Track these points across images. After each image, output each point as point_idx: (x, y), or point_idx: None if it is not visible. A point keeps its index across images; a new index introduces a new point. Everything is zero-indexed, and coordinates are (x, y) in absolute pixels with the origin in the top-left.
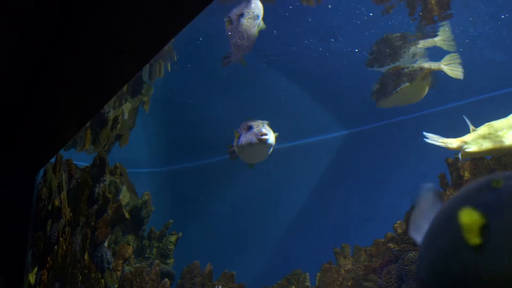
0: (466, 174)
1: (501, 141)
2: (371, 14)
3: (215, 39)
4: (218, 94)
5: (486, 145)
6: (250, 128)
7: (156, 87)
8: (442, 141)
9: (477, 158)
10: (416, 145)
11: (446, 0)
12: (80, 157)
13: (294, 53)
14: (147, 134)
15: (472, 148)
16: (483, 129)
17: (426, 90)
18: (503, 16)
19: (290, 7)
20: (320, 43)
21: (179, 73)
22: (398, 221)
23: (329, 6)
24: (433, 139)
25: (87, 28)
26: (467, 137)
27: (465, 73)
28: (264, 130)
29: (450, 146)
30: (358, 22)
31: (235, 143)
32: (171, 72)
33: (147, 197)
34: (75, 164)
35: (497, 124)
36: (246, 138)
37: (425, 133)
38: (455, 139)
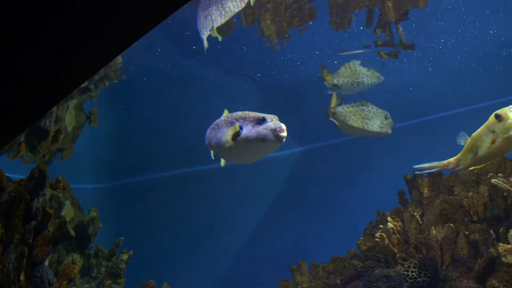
0: (426, 191)
1: (480, 150)
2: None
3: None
4: (170, 109)
5: (471, 157)
6: (262, 121)
7: (105, 101)
8: (438, 165)
9: (435, 175)
10: (372, 162)
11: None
12: (14, 169)
13: (251, 66)
14: (93, 148)
15: (465, 163)
16: (468, 142)
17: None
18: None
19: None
20: (277, 59)
21: (132, 87)
22: (361, 238)
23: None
24: (428, 168)
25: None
26: (460, 154)
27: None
28: (283, 126)
29: (448, 167)
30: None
31: (228, 136)
32: (123, 86)
33: (94, 214)
34: (6, 176)
35: (476, 134)
36: (258, 132)
37: (415, 167)
38: (451, 159)
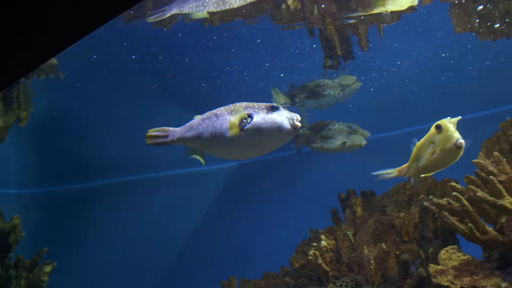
0: (359, 211)
1: (421, 161)
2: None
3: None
4: (103, 117)
5: (416, 166)
6: (276, 108)
7: (39, 104)
8: (393, 171)
9: (368, 195)
10: (308, 178)
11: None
12: None
13: (195, 76)
14: (19, 152)
15: (410, 172)
16: (414, 151)
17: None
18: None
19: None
20: (222, 70)
21: (67, 92)
22: (294, 255)
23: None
24: (385, 174)
25: None
26: (408, 162)
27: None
28: (299, 116)
29: (401, 174)
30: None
31: (235, 123)
32: (58, 91)
33: (17, 221)
34: None
35: (420, 143)
36: (273, 120)
37: (374, 173)
38: (404, 166)
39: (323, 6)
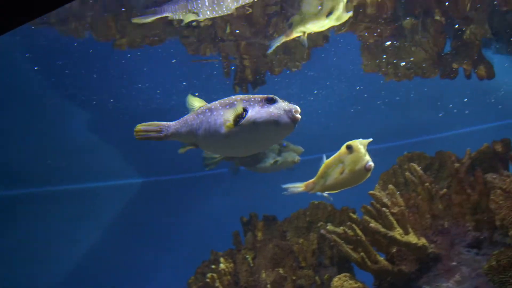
0: (260, 235)
1: (328, 179)
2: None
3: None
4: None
5: (322, 183)
6: (272, 100)
7: None
8: (299, 186)
9: (270, 219)
10: (213, 200)
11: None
12: None
13: (96, 92)
14: None
15: (316, 188)
16: (321, 168)
17: None
18: None
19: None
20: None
21: None
22: (192, 277)
23: None
24: (293, 188)
25: None
26: (315, 178)
27: None
28: (298, 107)
29: (307, 189)
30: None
31: (229, 117)
32: None
33: None
34: None
35: (329, 161)
36: (269, 113)
37: (284, 186)
38: (310, 181)
39: (237, 31)
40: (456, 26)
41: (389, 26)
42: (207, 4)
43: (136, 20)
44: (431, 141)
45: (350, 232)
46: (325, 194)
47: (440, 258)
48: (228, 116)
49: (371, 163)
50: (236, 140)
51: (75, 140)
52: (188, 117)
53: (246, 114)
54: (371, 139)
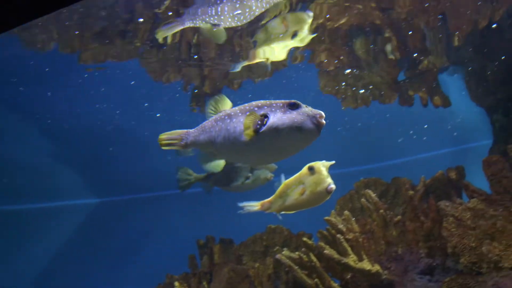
0: (216, 258)
1: (288, 200)
2: None
3: None
4: None
5: (280, 203)
6: (295, 106)
7: None
8: (255, 205)
9: (227, 243)
10: (171, 222)
11: None
12: None
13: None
14: None
15: (272, 208)
16: (280, 188)
17: None
18: None
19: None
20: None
21: None
22: None
23: None
24: (250, 206)
25: None
26: (272, 198)
27: None
28: (323, 113)
29: (262, 208)
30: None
31: (249, 125)
32: None
33: None
34: None
35: (289, 181)
36: (292, 119)
37: (240, 204)
38: (266, 200)
39: (205, 51)
40: (415, 55)
41: (344, 48)
42: (227, 11)
43: (160, 34)
44: (390, 166)
45: (305, 258)
46: (278, 215)
47: (393, 284)
48: (249, 123)
49: (333, 186)
50: (257, 149)
51: (30, 159)
52: (206, 123)
53: (267, 120)
54: (333, 162)
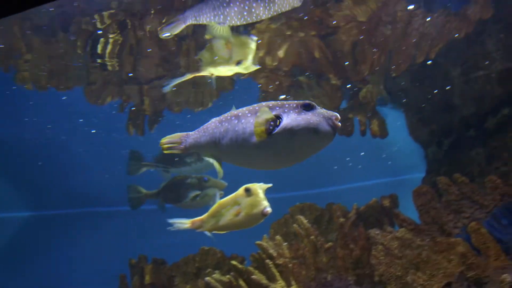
0: (147, 278)
1: (221, 220)
2: None
3: None
4: None
5: (213, 223)
6: (309, 107)
7: None
8: (186, 222)
9: (159, 263)
10: (101, 239)
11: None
12: None
13: None
14: None
15: (204, 227)
16: (214, 207)
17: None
18: None
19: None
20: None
21: None
22: None
23: None
24: (180, 223)
25: None
26: (204, 216)
27: None
28: (338, 115)
29: (193, 226)
30: None
31: (260, 126)
32: None
33: None
34: None
35: (224, 201)
36: (307, 120)
37: (170, 221)
38: (197, 218)
39: (142, 69)
40: (350, 85)
41: (288, 79)
42: (236, 10)
43: (164, 35)
44: (327, 193)
45: (234, 282)
46: (210, 234)
47: None
48: (260, 124)
49: (269, 209)
50: (268, 152)
51: None
52: (209, 125)
53: (280, 121)
54: (270, 185)
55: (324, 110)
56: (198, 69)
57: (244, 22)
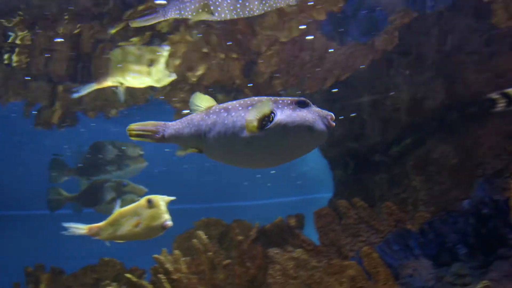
0: (42, 287)
1: (120, 229)
2: None
3: None
4: None
5: (110, 231)
6: (304, 104)
7: None
8: (83, 227)
9: (57, 272)
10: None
11: None
12: None
13: None
14: None
15: (101, 234)
16: (113, 215)
17: None
18: None
19: None
20: None
21: None
22: None
23: None
24: (75, 228)
25: None
26: (102, 224)
27: None
28: (332, 114)
29: (89, 233)
30: None
31: (253, 119)
32: None
33: None
34: None
35: (124, 210)
36: (303, 117)
37: (65, 225)
38: (94, 225)
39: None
40: None
41: None
42: (229, 2)
43: (135, 24)
44: (236, 208)
45: None
46: (107, 242)
47: None
48: (252, 118)
49: (169, 222)
50: (259, 148)
51: None
52: (195, 116)
53: (274, 117)
54: (174, 198)
55: (319, 108)
56: (106, 78)
57: (235, 16)
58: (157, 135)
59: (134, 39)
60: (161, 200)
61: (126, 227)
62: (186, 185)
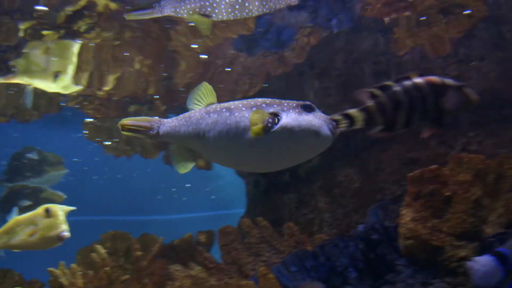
0: None
1: (14, 238)
2: None
3: None
4: None
5: (5, 240)
6: (310, 108)
7: None
8: None
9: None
10: None
11: None
12: None
13: None
14: None
15: None
16: (9, 223)
17: None
18: None
19: None
20: None
21: None
22: None
23: None
24: None
25: None
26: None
27: None
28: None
29: None
30: None
31: (257, 121)
32: None
33: None
34: None
35: (20, 219)
36: (309, 122)
37: None
38: None
39: None
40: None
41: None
42: (227, 2)
43: (131, 17)
44: (149, 221)
45: None
46: (1, 251)
47: None
48: (257, 119)
49: (66, 233)
50: (261, 151)
51: None
52: (193, 114)
53: (279, 120)
54: (74, 208)
55: (323, 114)
56: (13, 75)
57: (232, 18)
58: (151, 132)
59: (47, 32)
60: (60, 210)
61: (21, 236)
62: (98, 196)
